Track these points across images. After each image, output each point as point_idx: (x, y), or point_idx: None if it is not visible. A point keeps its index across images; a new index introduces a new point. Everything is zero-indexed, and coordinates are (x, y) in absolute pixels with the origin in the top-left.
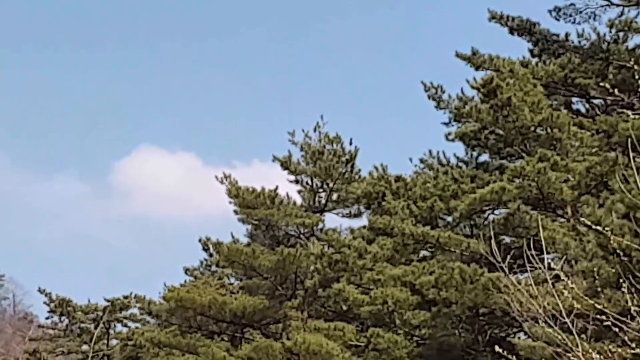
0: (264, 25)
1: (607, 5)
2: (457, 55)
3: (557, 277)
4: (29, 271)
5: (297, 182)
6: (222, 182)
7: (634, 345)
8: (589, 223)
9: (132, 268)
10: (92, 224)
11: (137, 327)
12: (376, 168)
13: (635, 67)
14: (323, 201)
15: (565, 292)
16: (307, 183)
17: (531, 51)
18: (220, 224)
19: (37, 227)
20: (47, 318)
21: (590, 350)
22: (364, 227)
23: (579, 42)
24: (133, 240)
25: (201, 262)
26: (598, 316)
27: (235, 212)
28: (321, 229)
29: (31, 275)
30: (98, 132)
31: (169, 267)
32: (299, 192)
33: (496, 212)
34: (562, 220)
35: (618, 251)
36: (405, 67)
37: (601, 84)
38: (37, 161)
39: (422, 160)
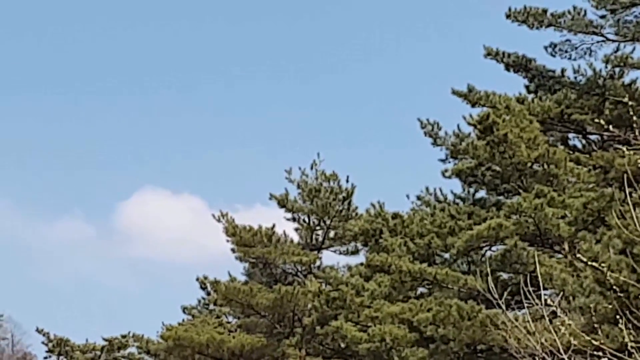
0: (264, 67)
1: (603, 41)
2: (454, 92)
3: (554, 314)
4: (28, 311)
5: (294, 219)
6: (219, 221)
7: None
8: (586, 259)
9: (134, 310)
10: (94, 266)
11: None
12: (373, 205)
13: (631, 103)
14: (320, 239)
15: (563, 329)
16: (304, 221)
17: (527, 87)
18: (223, 266)
19: (39, 268)
20: (45, 358)
21: None
22: (362, 264)
23: (575, 78)
24: (135, 282)
25: (199, 301)
26: (595, 352)
27: (233, 250)
28: (318, 267)
29: (30, 315)
30: (103, 173)
31: (171, 309)
32: (296, 229)
33: (493, 248)
34: (560, 256)
35: (615, 287)
36: (402, 104)
37: (597, 120)
38: (41, 203)
39: (419, 197)
